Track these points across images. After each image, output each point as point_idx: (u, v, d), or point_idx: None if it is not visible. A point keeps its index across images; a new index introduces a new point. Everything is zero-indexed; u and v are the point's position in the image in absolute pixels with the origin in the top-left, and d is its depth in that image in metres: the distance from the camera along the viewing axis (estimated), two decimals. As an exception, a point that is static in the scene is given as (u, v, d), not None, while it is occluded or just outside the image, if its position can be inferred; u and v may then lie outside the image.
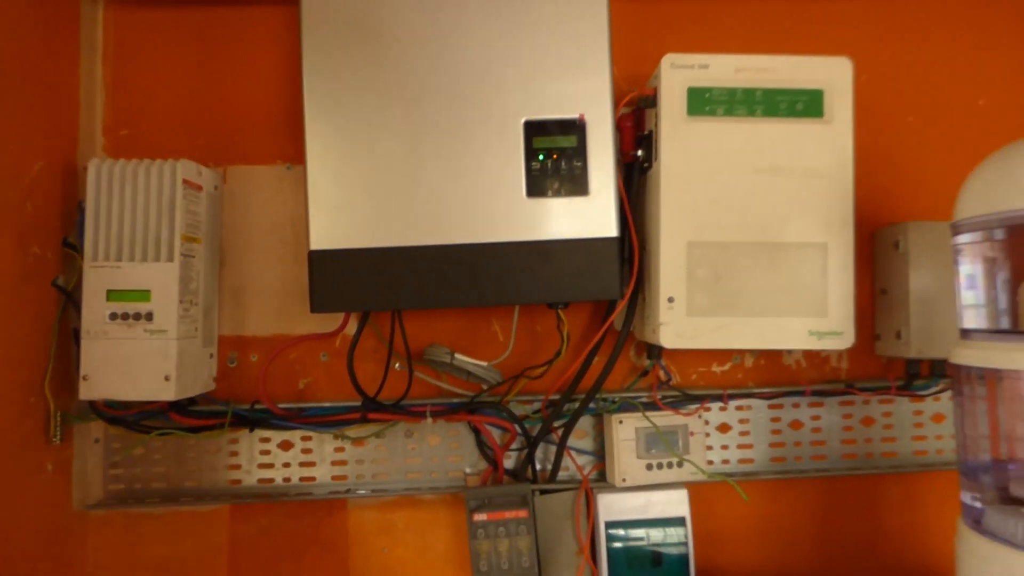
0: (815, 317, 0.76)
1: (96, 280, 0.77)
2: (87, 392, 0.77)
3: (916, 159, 0.92)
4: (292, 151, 0.90)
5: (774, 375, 0.91)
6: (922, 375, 0.86)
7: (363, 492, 0.88)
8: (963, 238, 0.63)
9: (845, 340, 0.75)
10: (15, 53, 0.76)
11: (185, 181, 0.79)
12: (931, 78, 0.93)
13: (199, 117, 0.90)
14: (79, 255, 0.80)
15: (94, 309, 0.77)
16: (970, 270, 0.63)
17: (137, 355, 0.77)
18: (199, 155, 0.89)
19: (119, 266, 0.78)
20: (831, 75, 0.77)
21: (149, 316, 0.78)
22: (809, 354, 0.91)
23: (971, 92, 0.94)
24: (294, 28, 0.90)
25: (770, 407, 0.90)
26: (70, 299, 0.82)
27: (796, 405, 0.90)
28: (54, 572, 0.81)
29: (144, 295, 0.78)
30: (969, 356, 0.61)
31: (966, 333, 0.63)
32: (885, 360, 0.91)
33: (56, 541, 0.82)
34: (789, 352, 0.91)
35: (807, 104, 0.77)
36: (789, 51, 0.78)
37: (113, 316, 0.77)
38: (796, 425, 0.90)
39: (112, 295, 0.78)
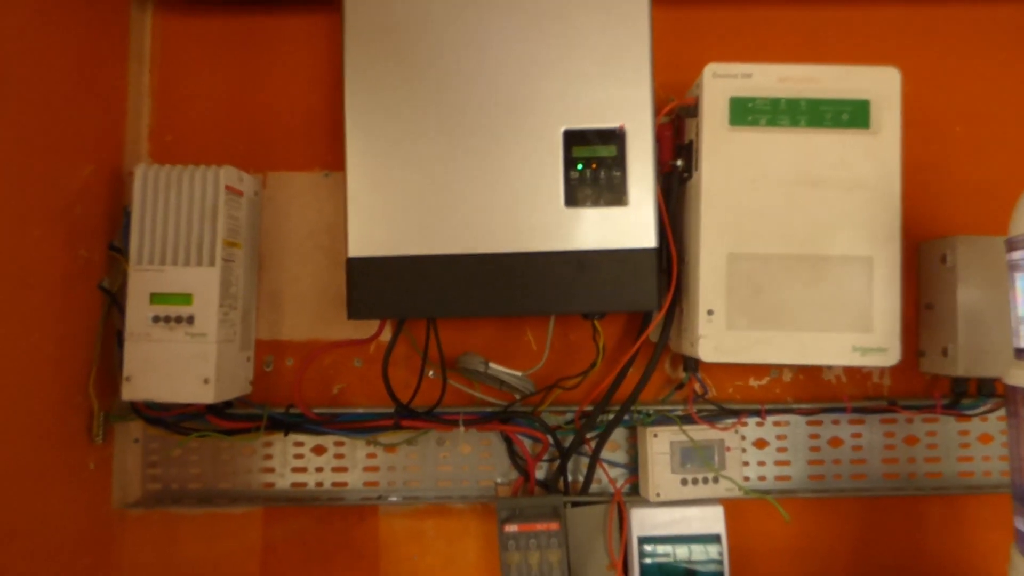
0: (859, 332, 0.74)
1: (140, 283, 0.79)
2: (129, 393, 0.79)
3: (964, 171, 0.90)
4: (330, 158, 0.91)
5: (813, 390, 0.89)
6: (969, 394, 0.83)
7: (394, 499, 0.88)
8: (1018, 254, 0.61)
9: (890, 357, 0.73)
10: (66, 60, 0.78)
11: (227, 187, 0.80)
12: (981, 88, 0.91)
13: (240, 123, 0.92)
14: (124, 258, 0.81)
15: (137, 311, 0.79)
16: (1026, 288, 0.60)
17: (178, 358, 0.79)
18: (240, 161, 0.90)
19: (162, 270, 0.79)
20: (878, 85, 0.75)
21: (190, 319, 0.79)
22: (850, 370, 0.89)
23: (1022, 103, 0.91)
24: (332, 37, 0.92)
25: (809, 423, 0.88)
26: (115, 301, 0.84)
27: (836, 422, 0.88)
28: (93, 568, 0.83)
29: (186, 299, 0.79)
30: (1025, 377, 0.59)
31: (1022, 353, 0.61)
32: (929, 377, 0.88)
33: (96, 538, 0.84)
34: (829, 367, 0.89)
35: (853, 114, 0.75)
36: (834, 61, 0.77)
37: (156, 319, 0.79)
38: (836, 442, 0.88)
39: (155, 298, 0.79)
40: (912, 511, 0.88)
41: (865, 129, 0.75)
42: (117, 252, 0.84)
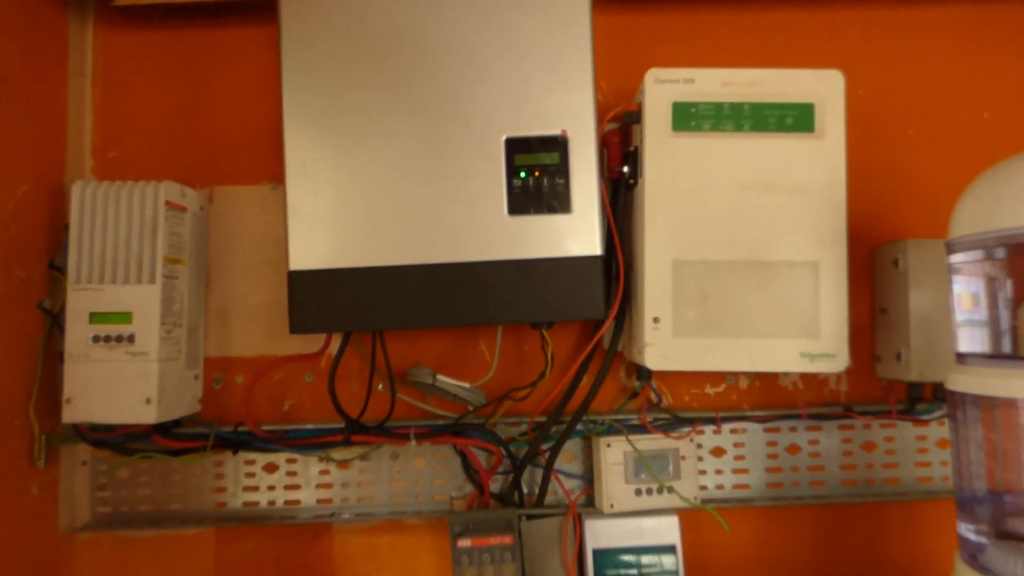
0: (807, 338, 0.73)
1: (79, 303, 0.78)
2: (70, 415, 0.77)
3: (917, 174, 0.89)
4: (277, 170, 0.89)
5: (770, 397, 0.88)
6: (925, 398, 0.82)
7: (347, 516, 0.86)
8: (958, 257, 0.60)
9: (838, 363, 0.72)
10: (0, 76, 0.76)
11: (168, 203, 0.79)
12: (933, 91, 0.90)
13: (186, 138, 0.90)
14: (65, 277, 0.80)
15: (77, 332, 0.77)
16: (965, 291, 0.60)
17: (119, 378, 0.77)
18: (186, 176, 0.89)
19: (101, 288, 0.78)
20: (822, 88, 0.75)
21: (131, 338, 0.77)
22: (807, 376, 0.88)
23: (975, 105, 0.90)
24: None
25: (766, 431, 0.87)
26: (55, 322, 0.82)
27: (793, 429, 0.87)
28: (39, 594, 0.81)
29: (126, 317, 0.78)
30: (965, 382, 0.58)
31: (962, 357, 0.60)
32: (886, 382, 0.87)
33: (43, 564, 0.82)
34: (786, 374, 0.88)
35: (797, 118, 0.74)
36: (782, 65, 0.76)
37: (96, 339, 0.77)
38: (793, 449, 0.87)
39: (95, 317, 0.78)
40: (871, 517, 0.87)
41: (810, 133, 0.74)
42: (57, 271, 0.83)
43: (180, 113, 0.90)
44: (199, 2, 0.87)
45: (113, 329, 0.77)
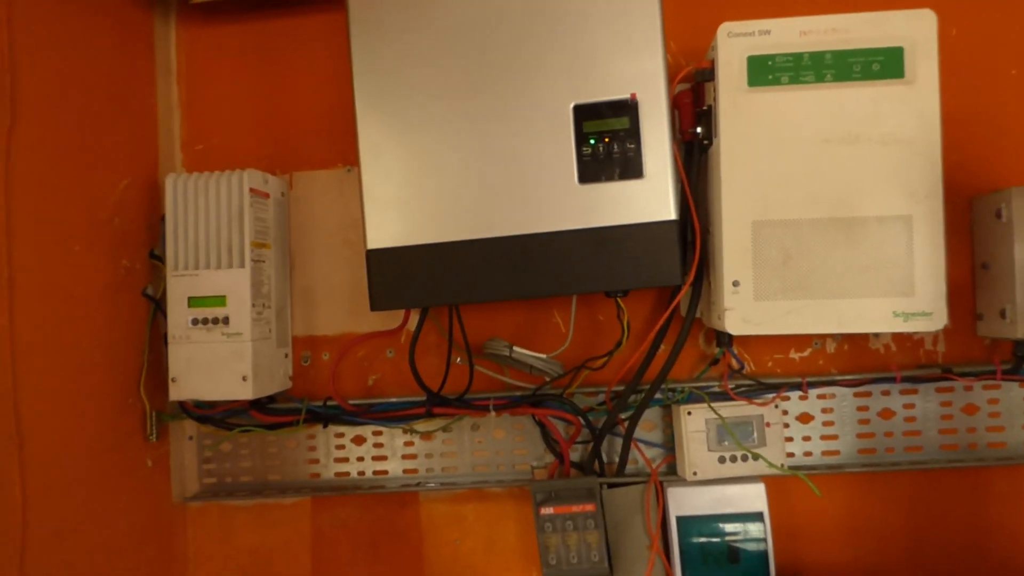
0: (900, 297, 0.69)
1: (178, 288, 0.83)
2: (176, 393, 0.83)
3: (1021, 117, 0.82)
4: (351, 154, 0.92)
5: (860, 361, 0.84)
6: (1034, 357, 0.77)
7: (432, 485, 0.89)
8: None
9: (936, 321, 0.68)
10: (96, 78, 0.82)
11: (252, 190, 0.83)
12: (1037, 23, 0.83)
13: (265, 127, 0.94)
14: (164, 265, 0.85)
15: (177, 315, 0.83)
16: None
17: (217, 357, 0.82)
18: (267, 163, 0.93)
19: (197, 274, 0.83)
20: (911, 30, 0.70)
21: (226, 320, 0.82)
22: (900, 338, 0.84)
23: (1087, 35, 0.82)
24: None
25: (856, 395, 0.84)
26: (158, 306, 0.88)
27: (886, 393, 0.83)
28: (158, 559, 0.88)
29: (220, 300, 0.82)
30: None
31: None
32: (989, 342, 0.82)
33: (159, 531, 0.89)
34: (876, 335, 0.84)
35: (885, 64, 0.70)
36: (866, 9, 0.71)
37: (194, 321, 0.82)
38: (887, 414, 0.83)
39: (192, 301, 0.83)
40: (974, 483, 0.82)
41: (899, 79, 0.70)
42: (157, 260, 0.89)
43: (258, 103, 0.94)
44: (269, -6, 0.90)
45: (210, 312, 0.82)
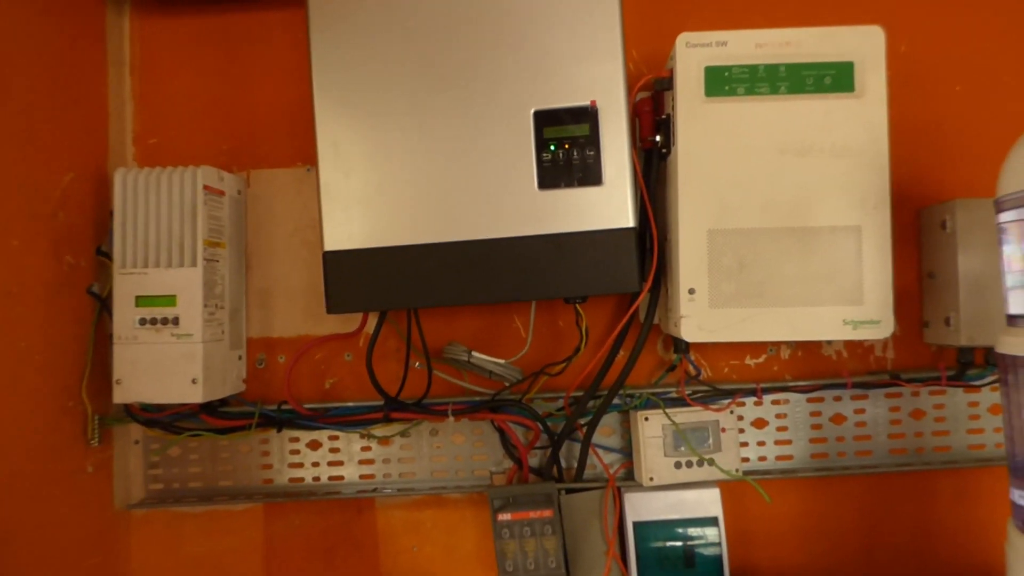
0: (850, 305, 0.71)
1: (125, 286, 0.80)
2: (121, 396, 0.80)
3: (965, 131, 0.85)
4: (311, 153, 0.90)
5: (813, 367, 0.86)
6: (976, 364, 0.80)
7: (389, 491, 0.88)
8: (1007, 215, 0.57)
9: (883, 329, 0.70)
10: (42, 67, 0.79)
11: (206, 187, 0.81)
12: (979, 44, 0.86)
13: (224, 122, 0.92)
14: (112, 262, 0.82)
15: (124, 315, 0.80)
16: (1016, 251, 0.57)
17: (165, 359, 0.80)
18: (224, 160, 0.91)
19: (146, 272, 0.80)
20: (861, 46, 0.72)
21: (175, 320, 0.80)
22: (851, 344, 0.86)
23: (1025, 56, 0.86)
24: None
25: (809, 400, 0.85)
26: (104, 306, 0.85)
27: (838, 398, 0.85)
28: (101, 567, 0.85)
29: (170, 300, 0.80)
30: (1016, 345, 0.56)
31: (1013, 320, 0.58)
32: (935, 348, 0.85)
33: (101, 538, 0.86)
34: (829, 342, 0.86)
35: (836, 78, 0.72)
36: (819, 24, 0.73)
37: (142, 321, 0.80)
38: (838, 419, 0.85)
39: (140, 301, 0.80)
40: (921, 486, 0.85)
41: (850, 93, 0.72)
42: (105, 256, 0.86)
43: (216, 98, 0.92)
44: (229, -13, 0.88)
45: (159, 312, 0.80)
